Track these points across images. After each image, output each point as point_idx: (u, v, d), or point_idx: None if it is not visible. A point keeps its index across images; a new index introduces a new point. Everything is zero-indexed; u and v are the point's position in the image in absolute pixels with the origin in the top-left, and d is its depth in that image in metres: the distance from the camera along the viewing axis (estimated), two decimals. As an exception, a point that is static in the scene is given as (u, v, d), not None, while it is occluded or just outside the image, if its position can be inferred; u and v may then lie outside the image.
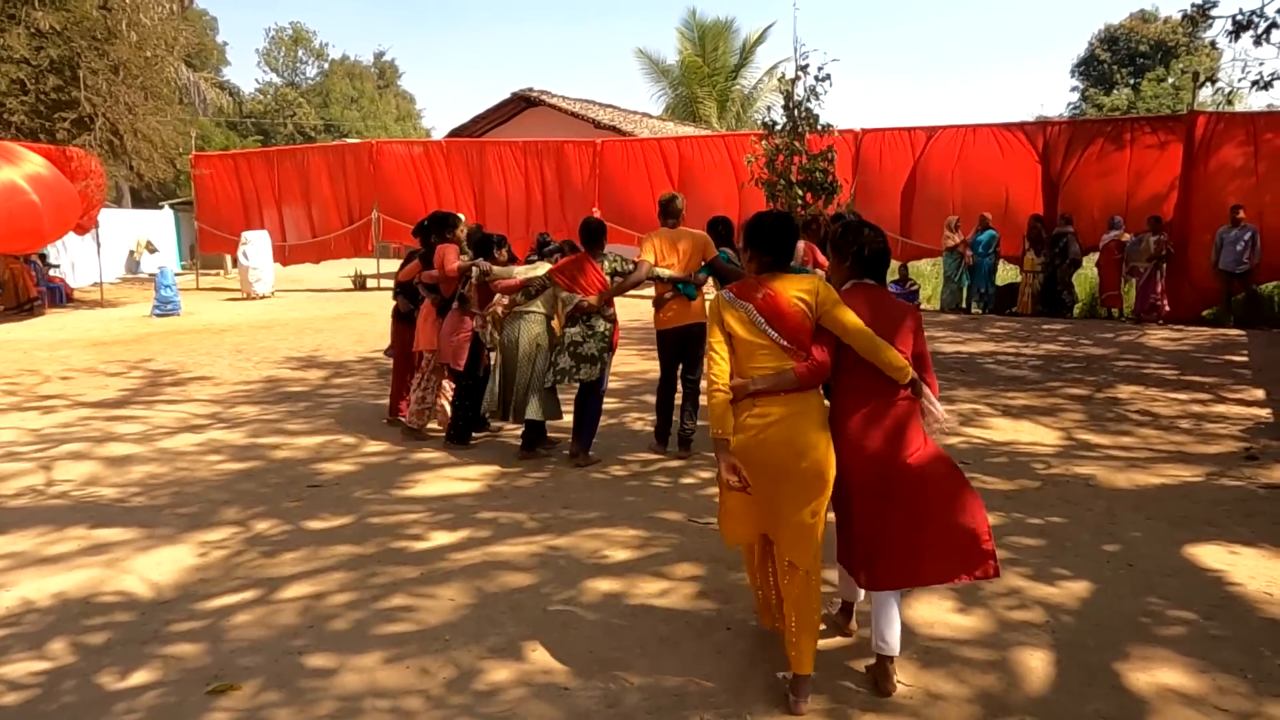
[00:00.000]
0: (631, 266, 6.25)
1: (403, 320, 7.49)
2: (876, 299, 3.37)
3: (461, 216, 7.28)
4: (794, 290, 3.24)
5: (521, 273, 6.43)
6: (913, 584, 3.39)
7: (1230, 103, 19.80)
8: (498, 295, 6.49)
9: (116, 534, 4.96)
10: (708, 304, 4.39)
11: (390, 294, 7.82)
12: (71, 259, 21.36)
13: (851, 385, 3.29)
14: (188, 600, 4.09)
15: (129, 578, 4.35)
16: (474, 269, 6.54)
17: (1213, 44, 16.30)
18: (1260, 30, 12.93)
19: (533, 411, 6.18)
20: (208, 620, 3.87)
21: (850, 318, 3.22)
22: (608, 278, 6.20)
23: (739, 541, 3.59)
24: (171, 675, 3.41)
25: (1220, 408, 7.95)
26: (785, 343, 3.20)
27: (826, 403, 3.34)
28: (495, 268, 6.49)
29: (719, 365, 3.23)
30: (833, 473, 3.21)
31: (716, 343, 3.27)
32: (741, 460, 3.18)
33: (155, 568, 4.47)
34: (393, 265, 23.07)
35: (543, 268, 6.43)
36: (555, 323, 6.44)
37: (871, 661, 3.34)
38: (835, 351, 3.25)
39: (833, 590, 3.90)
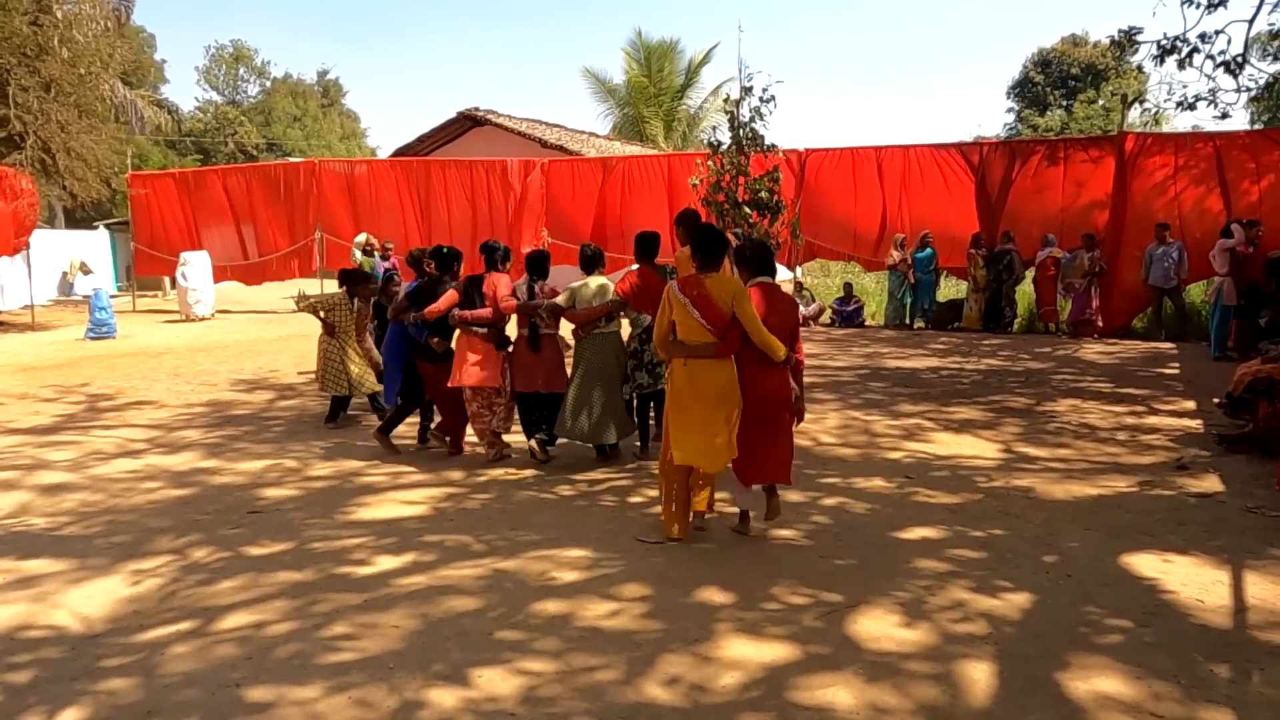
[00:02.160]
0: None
1: (435, 358, 6.91)
2: (770, 292, 5.00)
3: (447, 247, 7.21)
4: (719, 290, 4.77)
5: (594, 296, 6.53)
6: (765, 481, 5.08)
7: (1158, 123, 20.52)
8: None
9: (46, 565, 4.79)
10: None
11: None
12: (1, 281, 20.69)
13: (749, 356, 4.86)
14: (120, 633, 3.96)
15: (58, 611, 4.20)
16: (545, 306, 6.60)
17: (1139, 68, 16.81)
18: (1183, 54, 13.43)
19: (610, 436, 6.59)
20: (141, 654, 3.75)
21: (751, 315, 4.75)
22: None
23: (681, 462, 4.95)
24: (102, 713, 3.29)
25: (1153, 419, 8.18)
26: (709, 326, 4.76)
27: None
28: (557, 300, 6.60)
29: (661, 331, 4.97)
30: (736, 401, 4.85)
31: (663, 317, 4.91)
32: (676, 394, 4.92)
33: (86, 600, 4.32)
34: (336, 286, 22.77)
35: (606, 289, 6.58)
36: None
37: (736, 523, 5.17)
38: (741, 333, 4.79)
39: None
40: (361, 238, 11.88)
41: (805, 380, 9.03)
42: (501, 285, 6.61)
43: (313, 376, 8.57)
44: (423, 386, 7.04)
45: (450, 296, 6.68)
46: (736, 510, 5.26)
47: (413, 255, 7.67)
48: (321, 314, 8.13)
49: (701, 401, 4.81)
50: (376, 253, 12.13)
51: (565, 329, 6.85)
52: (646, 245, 6.62)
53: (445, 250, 7.01)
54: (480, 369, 6.59)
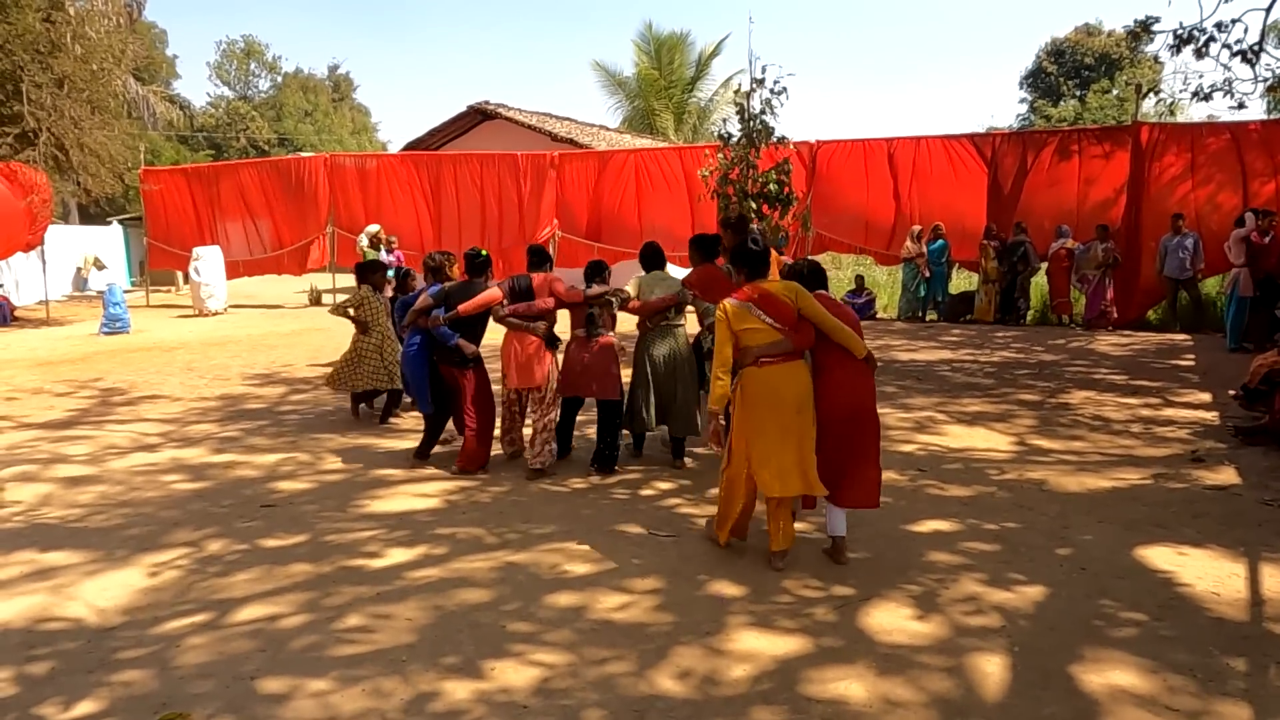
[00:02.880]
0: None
1: (464, 363, 6.49)
2: (826, 302, 4.69)
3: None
4: (779, 289, 4.59)
5: (661, 291, 6.37)
6: (858, 505, 4.64)
7: (1172, 113, 20.34)
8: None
9: (64, 558, 4.83)
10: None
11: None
12: (15, 277, 20.82)
13: (829, 358, 4.61)
14: (136, 625, 3.99)
15: (75, 603, 4.24)
16: (615, 298, 6.39)
17: (1155, 58, 16.71)
18: (1200, 44, 13.30)
19: (687, 429, 6.45)
20: (157, 646, 3.78)
21: (820, 309, 4.54)
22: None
23: (779, 493, 4.50)
24: (118, 705, 3.32)
25: (1168, 411, 8.13)
26: (779, 324, 4.50)
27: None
28: (625, 290, 6.46)
29: (725, 353, 4.55)
30: (813, 413, 4.53)
31: (724, 338, 4.55)
32: (751, 407, 4.53)
33: (103, 592, 4.36)
34: (348, 280, 22.86)
35: (672, 281, 6.48)
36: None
37: (828, 545, 4.71)
38: (812, 327, 4.55)
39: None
40: (372, 229, 11.78)
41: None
42: (555, 280, 6.45)
43: (327, 374, 8.36)
44: (449, 396, 6.67)
45: (492, 294, 6.36)
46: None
47: (434, 260, 6.88)
48: (352, 313, 8.04)
49: (781, 409, 4.47)
50: (382, 246, 12.01)
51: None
52: (707, 246, 6.55)
53: (480, 254, 6.60)
54: (537, 367, 6.32)
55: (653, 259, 6.62)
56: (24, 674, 3.57)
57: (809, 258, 5.24)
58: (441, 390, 6.67)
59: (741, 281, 4.74)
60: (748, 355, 4.53)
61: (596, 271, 6.61)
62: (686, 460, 6.59)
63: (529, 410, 6.55)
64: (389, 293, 8.58)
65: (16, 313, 18.32)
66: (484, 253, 6.61)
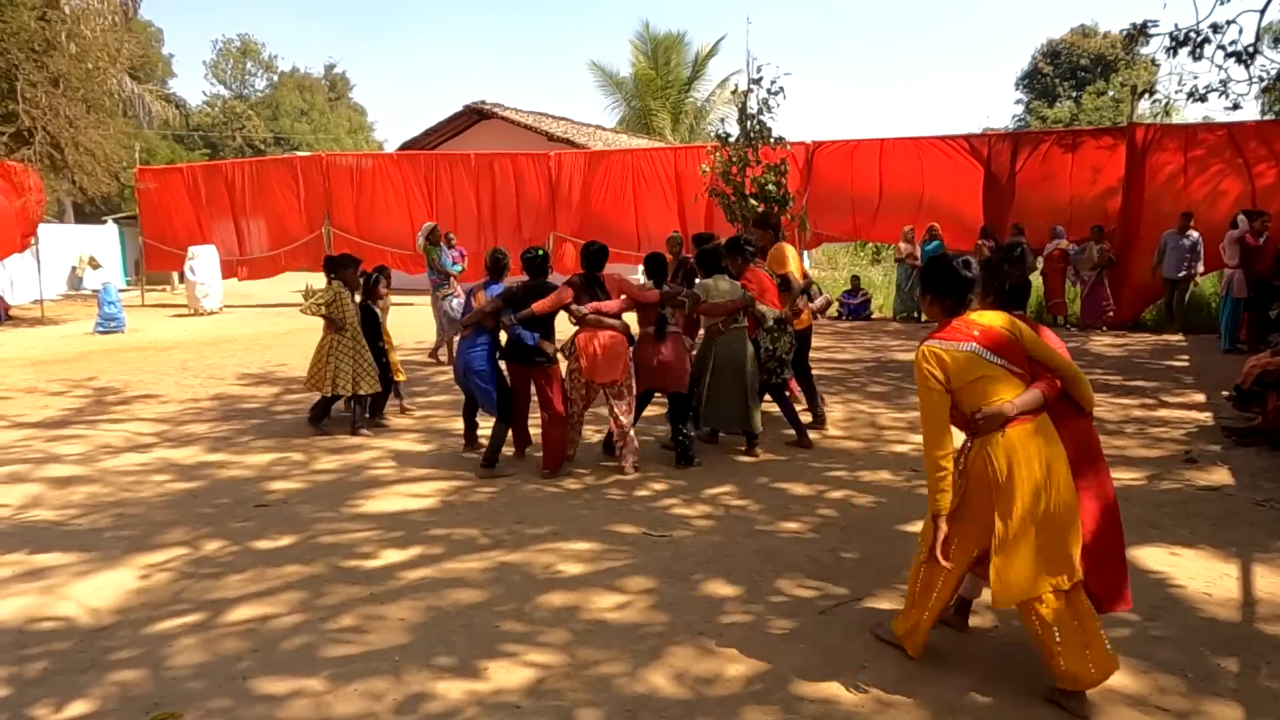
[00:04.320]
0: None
1: (546, 361, 6.40)
2: (1033, 329, 3.48)
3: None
4: (999, 323, 3.33)
5: (728, 292, 6.59)
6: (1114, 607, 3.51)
7: (1168, 114, 20.36)
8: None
9: (56, 558, 4.82)
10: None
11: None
12: (10, 276, 20.74)
13: (1053, 410, 3.36)
14: (129, 625, 3.98)
15: (67, 604, 4.23)
16: (688, 299, 6.56)
17: (1152, 60, 16.74)
18: (1195, 45, 13.33)
19: (757, 424, 6.72)
20: (149, 646, 3.77)
21: (1050, 350, 3.38)
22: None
23: (1032, 591, 3.18)
24: (110, 704, 3.31)
25: (1162, 412, 8.14)
26: (1016, 369, 3.27)
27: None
28: (695, 293, 6.62)
29: (945, 435, 3.25)
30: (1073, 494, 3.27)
31: (941, 406, 3.24)
32: (1007, 482, 3.16)
33: (95, 592, 4.35)
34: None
35: (735, 286, 6.68)
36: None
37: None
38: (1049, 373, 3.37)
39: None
40: (429, 225, 11.51)
41: (814, 373, 8.97)
42: (627, 282, 6.54)
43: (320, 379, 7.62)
44: (514, 397, 6.58)
45: (564, 293, 6.33)
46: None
47: (502, 257, 6.85)
48: (325, 311, 7.54)
49: (1049, 481, 3.18)
50: (442, 243, 11.64)
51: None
52: (737, 246, 6.95)
53: (539, 253, 6.55)
54: (618, 362, 6.35)
55: (713, 263, 6.79)
56: (16, 674, 3.56)
57: (1017, 262, 3.85)
58: (505, 392, 6.60)
59: (940, 316, 3.44)
60: (994, 419, 3.19)
61: (717, 263, 6.77)
62: (757, 450, 6.89)
63: (609, 403, 6.49)
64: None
65: (11, 312, 18.28)
66: (541, 251, 6.62)
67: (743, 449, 6.89)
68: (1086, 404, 3.47)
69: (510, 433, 6.69)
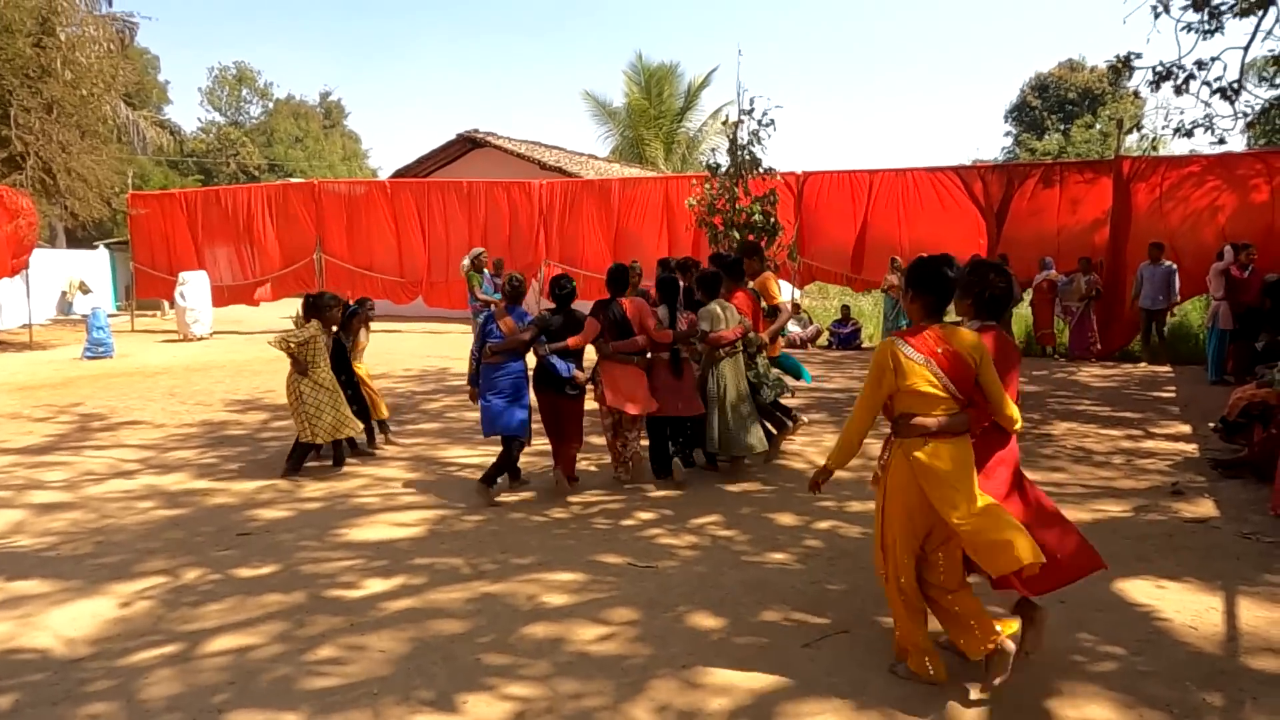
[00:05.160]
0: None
1: (575, 391, 6.57)
2: (1001, 342, 3.74)
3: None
4: (965, 346, 3.50)
5: (730, 319, 6.90)
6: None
7: (1155, 148, 20.59)
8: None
9: (33, 586, 4.77)
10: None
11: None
12: (-1, 300, 20.73)
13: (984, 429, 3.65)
14: (104, 656, 3.93)
15: (43, 634, 4.18)
16: (696, 335, 6.80)
17: (1136, 93, 16.96)
18: (1179, 80, 13.52)
19: (761, 443, 6.95)
20: (124, 678, 3.72)
21: (996, 381, 3.55)
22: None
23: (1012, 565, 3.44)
24: (83, 737, 3.26)
25: (1149, 443, 8.16)
26: (960, 395, 3.49)
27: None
28: (702, 326, 6.85)
29: (869, 419, 3.65)
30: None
31: (878, 390, 3.56)
32: (918, 489, 3.49)
33: (71, 622, 4.29)
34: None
35: (732, 313, 6.94)
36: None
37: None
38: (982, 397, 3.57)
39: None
40: (475, 251, 11.39)
41: (803, 402, 8.98)
42: (647, 313, 6.72)
43: (298, 423, 7.20)
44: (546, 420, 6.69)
45: (594, 326, 6.61)
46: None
47: (519, 283, 6.89)
48: (293, 347, 7.11)
49: (960, 494, 3.45)
50: (486, 270, 11.46)
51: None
52: (736, 269, 7.34)
53: (570, 284, 6.72)
54: (645, 395, 6.68)
55: (714, 288, 7.00)
56: (-13, 706, 3.51)
57: (999, 275, 3.90)
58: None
59: (917, 316, 3.64)
60: (908, 428, 3.51)
61: (717, 288, 7.00)
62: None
63: (626, 434, 6.85)
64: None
65: (0, 337, 18.18)
66: (573, 282, 6.79)
67: (727, 480, 6.89)
68: (1009, 426, 3.65)
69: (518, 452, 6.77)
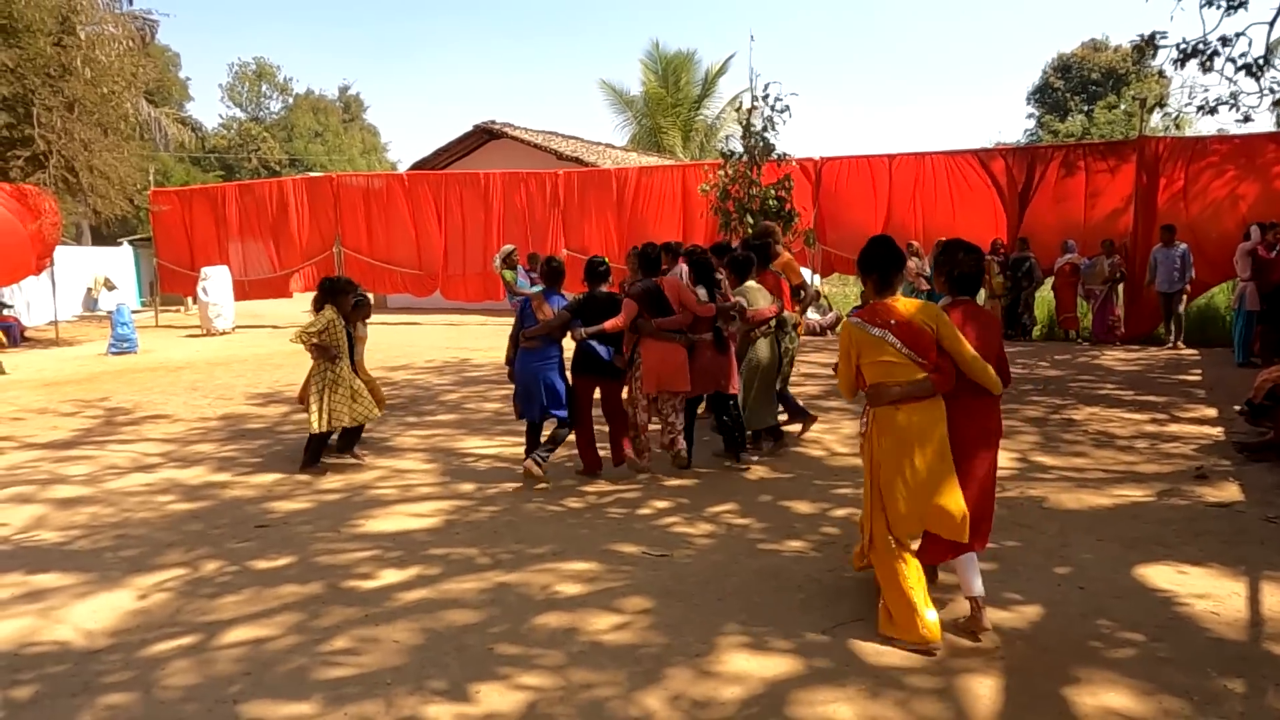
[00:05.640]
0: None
1: (616, 375, 6.62)
2: (972, 314, 4.05)
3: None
4: (917, 314, 3.84)
5: (763, 301, 7.02)
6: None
7: (1179, 127, 20.28)
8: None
9: (54, 579, 4.82)
10: None
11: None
12: (26, 298, 20.99)
13: (959, 392, 3.89)
14: (123, 648, 3.97)
15: (63, 626, 4.22)
16: (736, 311, 6.78)
17: (1160, 72, 16.65)
18: (1204, 58, 13.27)
19: (774, 419, 7.23)
20: (142, 669, 3.75)
21: (960, 340, 3.84)
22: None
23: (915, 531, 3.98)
24: (100, 728, 3.29)
25: (1173, 427, 8.04)
26: (919, 358, 3.80)
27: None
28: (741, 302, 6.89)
29: (850, 383, 4.04)
30: (949, 452, 3.84)
31: (848, 364, 3.98)
32: (894, 453, 3.84)
33: (91, 615, 4.34)
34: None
35: (764, 291, 7.10)
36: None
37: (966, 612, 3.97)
38: (952, 361, 3.86)
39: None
40: (506, 248, 11.28)
41: (821, 389, 8.93)
42: (686, 292, 6.66)
43: (314, 414, 6.97)
44: (579, 409, 6.64)
45: (632, 307, 6.49)
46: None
47: (559, 265, 6.90)
48: (317, 340, 6.98)
49: (926, 452, 3.81)
50: (520, 267, 11.29)
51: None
52: (763, 252, 7.52)
53: (604, 263, 6.70)
54: (688, 374, 6.61)
55: (746, 267, 7.12)
56: (8, 698, 3.55)
57: (969, 253, 4.15)
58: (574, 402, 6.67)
59: (870, 295, 4.04)
60: (884, 393, 3.84)
61: (749, 269, 7.09)
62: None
63: (669, 414, 6.71)
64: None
65: (27, 333, 18.43)
66: (606, 261, 6.79)
67: (745, 468, 6.86)
68: (989, 387, 3.90)
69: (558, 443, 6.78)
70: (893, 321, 3.82)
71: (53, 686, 3.63)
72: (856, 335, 3.90)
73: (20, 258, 15.31)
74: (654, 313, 6.60)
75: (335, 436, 7.36)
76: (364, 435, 7.68)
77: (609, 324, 6.40)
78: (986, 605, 3.90)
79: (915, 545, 4.04)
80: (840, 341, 4.02)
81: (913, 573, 3.88)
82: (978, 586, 3.88)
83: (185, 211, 21.07)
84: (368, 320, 8.08)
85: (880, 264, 3.96)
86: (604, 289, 6.68)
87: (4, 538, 5.60)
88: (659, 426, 6.80)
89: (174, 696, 3.51)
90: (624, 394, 6.88)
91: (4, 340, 15.97)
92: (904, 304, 3.90)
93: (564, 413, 6.59)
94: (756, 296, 7.00)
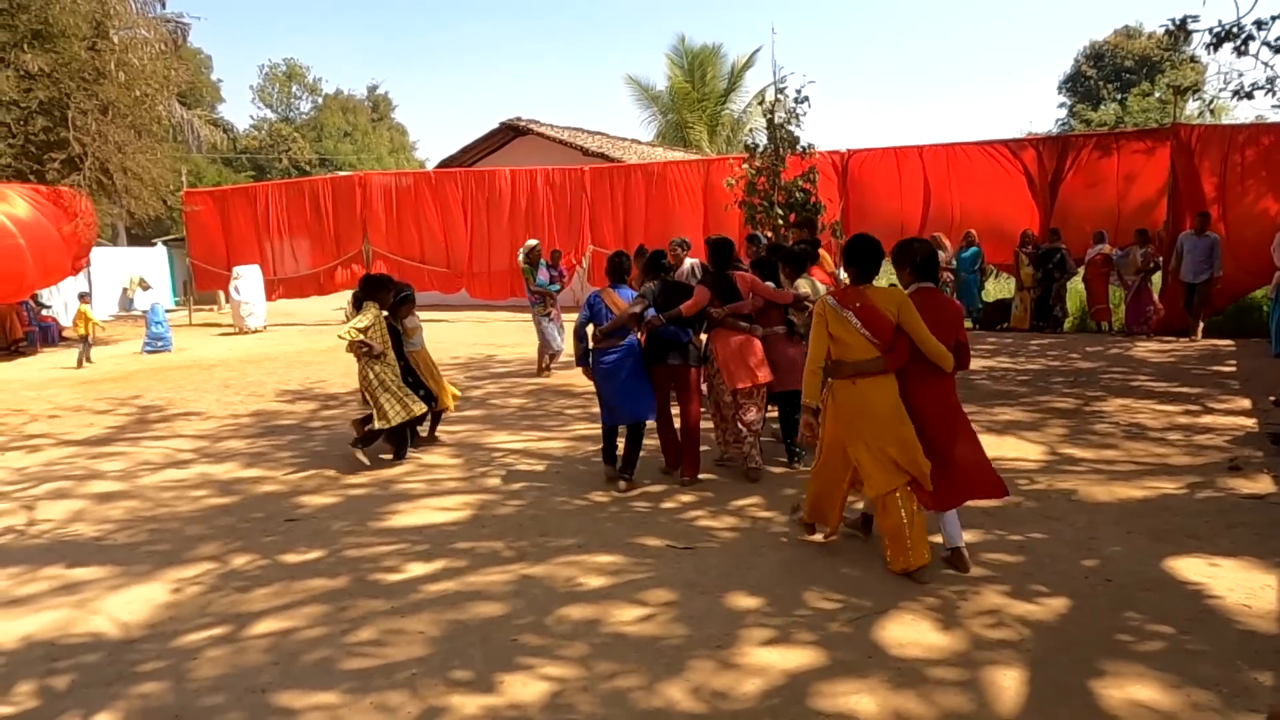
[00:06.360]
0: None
1: (700, 361, 6.50)
2: (931, 299, 4.60)
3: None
4: (883, 301, 4.44)
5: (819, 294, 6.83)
6: (960, 502, 4.61)
7: (1215, 114, 19.93)
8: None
9: (90, 573, 4.93)
10: None
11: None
12: (64, 298, 21.38)
13: (914, 369, 4.50)
14: (156, 639, 4.05)
15: (98, 618, 4.31)
16: (807, 299, 6.65)
17: (1194, 57, 16.40)
18: (1239, 41, 13.01)
19: None
20: (174, 659, 3.83)
21: (920, 324, 4.40)
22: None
23: (882, 488, 4.49)
24: (133, 717, 3.36)
25: (1206, 419, 7.91)
26: (875, 339, 4.42)
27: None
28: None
29: (820, 355, 4.59)
30: (906, 420, 4.47)
31: (820, 334, 4.56)
32: (844, 419, 4.55)
33: (125, 607, 4.43)
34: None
35: (817, 285, 6.97)
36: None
37: (948, 554, 4.60)
38: (908, 344, 4.45)
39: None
40: (530, 243, 11.34)
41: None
42: (757, 280, 6.54)
43: (386, 410, 7.03)
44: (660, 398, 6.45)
45: (704, 292, 6.32)
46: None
47: (623, 260, 6.78)
48: (363, 338, 6.98)
49: (873, 420, 4.45)
50: (542, 262, 11.36)
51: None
52: (815, 246, 7.69)
53: (663, 254, 6.73)
54: (764, 365, 6.38)
55: (802, 264, 6.97)
56: (45, 686, 3.64)
57: (926, 241, 4.90)
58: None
59: (852, 277, 4.65)
60: (841, 369, 4.52)
61: (804, 263, 6.96)
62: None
63: (751, 409, 6.44)
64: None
65: (64, 333, 18.77)
66: (665, 253, 6.84)
67: (770, 461, 6.82)
68: (941, 364, 4.47)
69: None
70: (858, 305, 4.45)
71: (88, 676, 3.71)
72: (829, 311, 4.53)
73: (57, 259, 15.62)
74: (725, 301, 6.41)
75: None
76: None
77: (684, 306, 6.21)
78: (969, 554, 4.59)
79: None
80: (815, 313, 4.64)
81: (900, 511, 4.45)
82: (954, 536, 4.56)
83: (217, 211, 21.38)
84: (414, 312, 7.84)
85: (859, 259, 4.60)
86: (672, 279, 6.59)
87: (43, 532, 5.72)
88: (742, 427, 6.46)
89: (205, 686, 3.58)
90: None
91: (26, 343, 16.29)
92: (873, 291, 4.50)
93: (652, 409, 6.39)
94: (817, 288, 6.85)
